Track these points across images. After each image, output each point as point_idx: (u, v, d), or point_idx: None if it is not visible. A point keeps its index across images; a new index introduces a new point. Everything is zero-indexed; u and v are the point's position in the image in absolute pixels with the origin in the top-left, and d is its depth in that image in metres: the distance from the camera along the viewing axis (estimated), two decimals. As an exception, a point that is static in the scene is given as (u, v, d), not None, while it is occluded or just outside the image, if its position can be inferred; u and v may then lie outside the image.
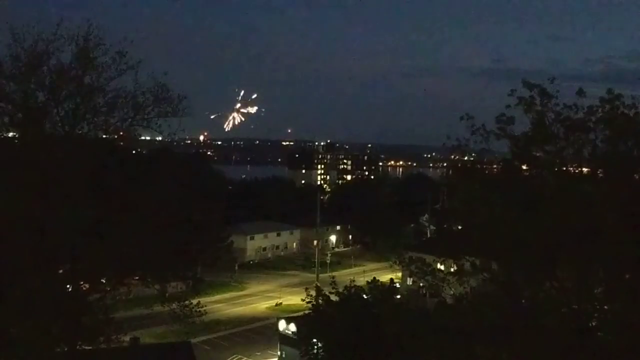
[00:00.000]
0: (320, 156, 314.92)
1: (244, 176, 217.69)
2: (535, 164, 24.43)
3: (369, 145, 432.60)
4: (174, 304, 34.38)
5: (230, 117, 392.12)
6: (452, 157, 27.13)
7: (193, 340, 56.01)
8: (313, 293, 44.79)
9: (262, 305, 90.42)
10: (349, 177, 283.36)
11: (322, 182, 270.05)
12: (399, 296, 50.61)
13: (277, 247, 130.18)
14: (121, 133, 33.00)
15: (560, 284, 23.35)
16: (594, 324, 23.77)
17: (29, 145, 31.29)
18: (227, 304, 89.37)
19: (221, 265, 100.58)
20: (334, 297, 43.64)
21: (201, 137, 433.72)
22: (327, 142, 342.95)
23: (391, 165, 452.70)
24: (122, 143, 34.69)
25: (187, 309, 34.31)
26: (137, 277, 35.86)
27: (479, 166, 26.61)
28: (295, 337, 53.05)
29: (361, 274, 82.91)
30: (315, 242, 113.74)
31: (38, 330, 27.93)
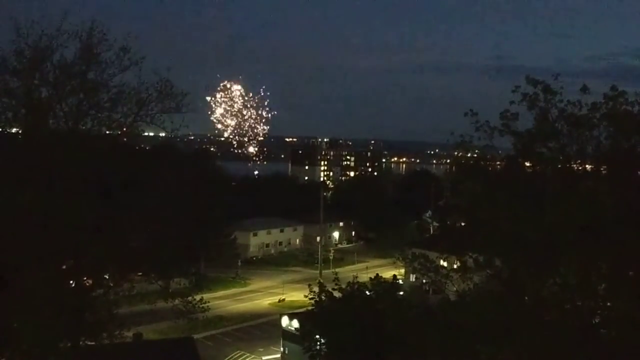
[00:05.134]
0: (323, 152, 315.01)
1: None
2: (539, 161, 24.36)
3: (372, 142, 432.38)
4: (177, 300, 34.48)
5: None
6: (456, 153, 27.04)
7: (196, 336, 56.18)
8: (316, 289, 44.74)
9: (265, 302, 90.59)
10: (352, 174, 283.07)
11: (325, 178, 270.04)
12: (402, 293, 50.64)
13: (280, 244, 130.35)
14: (124, 129, 32.99)
15: (563, 281, 23.30)
16: (597, 320, 23.74)
17: (32, 141, 31.32)
18: (230, 300, 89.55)
19: (224, 262, 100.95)
20: (337, 294, 43.61)
21: (205, 133, 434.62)
22: (330, 139, 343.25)
23: (394, 162, 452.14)
24: (125, 139, 34.71)
25: (190, 304, 34.39)
26: (140, 273, 35.94)
27: (482, 162, 26.58)
28: (298, 333, 52.99)
29: (364, 271, 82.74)
30: (318, 238, 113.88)
31: (41, 325, 27.98)
